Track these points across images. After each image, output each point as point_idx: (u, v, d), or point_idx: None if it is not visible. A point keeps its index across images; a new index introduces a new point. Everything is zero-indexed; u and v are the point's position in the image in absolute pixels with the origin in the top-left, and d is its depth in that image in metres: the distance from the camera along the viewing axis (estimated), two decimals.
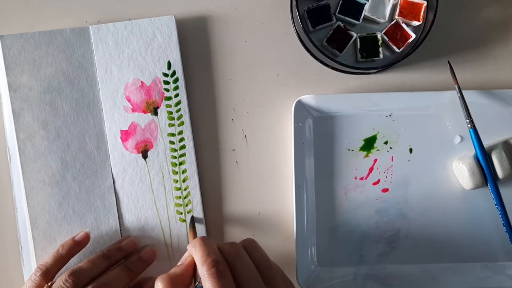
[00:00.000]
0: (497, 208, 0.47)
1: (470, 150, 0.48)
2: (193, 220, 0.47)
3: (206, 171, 0.49)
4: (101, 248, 0.47)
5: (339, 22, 0.49)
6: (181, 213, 0.48)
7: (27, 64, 0.47)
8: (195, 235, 0.45)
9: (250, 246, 0.40)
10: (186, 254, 0.40)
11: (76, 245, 0.45)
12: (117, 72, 0.48)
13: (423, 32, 0.48)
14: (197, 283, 0.38)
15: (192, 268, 0.38)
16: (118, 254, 0.45)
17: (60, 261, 0.43)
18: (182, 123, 0.48)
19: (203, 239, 0.39)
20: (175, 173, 0.48)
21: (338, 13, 0.49)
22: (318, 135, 0.49)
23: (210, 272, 0.35)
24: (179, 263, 0.40)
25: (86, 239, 0.46)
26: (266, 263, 0.39)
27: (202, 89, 0.50)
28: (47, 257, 0.43)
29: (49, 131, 0.47)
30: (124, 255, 0.46)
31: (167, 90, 0.48)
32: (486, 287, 0.48)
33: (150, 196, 0.48)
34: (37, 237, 0.47)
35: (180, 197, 0.48)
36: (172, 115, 0.48)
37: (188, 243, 0.47)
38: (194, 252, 0.38)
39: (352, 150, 0.49)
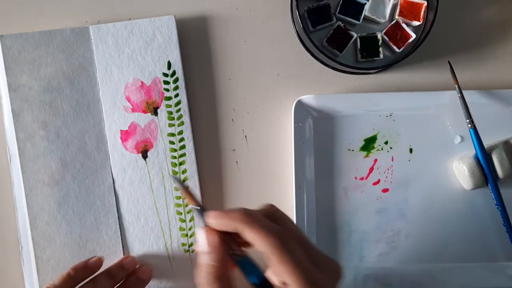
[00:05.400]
0: (497, 208, 0.47)
1: (470, 150, 0.48)
2: (178, 180, 0.38)
3: (206, 171, 0.49)
4: (101, 248, 0.47)
5: (339, 22, 0.49)
6: (181, 213, 0.48)
7: (27, 64, 0.47)
8: (195, 199, 0.37)
9: (277, 212, 0.35)
10: (202, 237, 0.34)
11: (88, 270, 0.44)
12: (117, 72, 0.48)
13: (423, 32, 0.48)
14: (236, 254, 0.34)
15: (223, 246, 0.34)
16: (121, 274, 0.45)
17: (69, 284, 0.43)
18: (182, 123, 0.48)
19: (248, 212, 0.33)
20: (175, 173, 0.48)
21: (338, 13, 0.49)
22: (318, 135, 0.49)
23: (281, 247, 0.31)
24: (204, 250, 0.34)
25: (99, 264, 0.45)
26: (296, 225, 0.36)
27: (202, 89, 0.50)
28: (56, 279, 0.43)
29: (49, 131, 0.47)
30: (126, 274, 0.46)
31: (167, 90, 0.48)
32: (486, 287, 0.48)
33: (150, 196, 0.48)
34: (36, 237, 0.47)
35: (180, 197, 0.48)
36: (172, 115, 0.48)
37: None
38: (250, 229, 0.32)
39: (352, 150, 0.49)
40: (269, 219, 0.34)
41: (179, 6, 0.50)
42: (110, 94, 0.48)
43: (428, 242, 0.49)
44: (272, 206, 0.36)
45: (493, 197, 0.47)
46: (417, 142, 0.49)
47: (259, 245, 0.32)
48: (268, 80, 0.50)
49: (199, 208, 0.36)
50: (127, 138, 0.48)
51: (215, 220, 0.34)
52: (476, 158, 0.47)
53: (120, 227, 0.48)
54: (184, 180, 0.48)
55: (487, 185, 0.47)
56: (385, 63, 0.49)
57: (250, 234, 0.32)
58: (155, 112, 0.48)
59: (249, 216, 0.33)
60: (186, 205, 0.48)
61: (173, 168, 0.48)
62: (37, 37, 0.47)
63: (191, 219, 0.48)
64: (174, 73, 0.48)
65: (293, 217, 0.46)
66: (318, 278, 0.32)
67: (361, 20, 0.49)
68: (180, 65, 0.48)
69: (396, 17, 0.49)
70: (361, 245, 0.49)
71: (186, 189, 0.38)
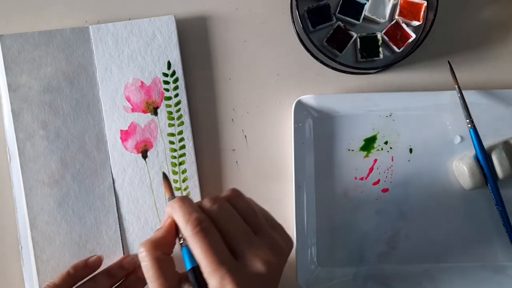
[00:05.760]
0: (497, 208, 0.47)
1: (470, 150, 0.48)
2: (165, 175, 0.42)
3: (206, 171, 0.49)
4: (101, 248, 0.47)
5: (339, 22, 0.49)
6: None
7: (26, 64, 0.47)
8: (171, 192, 0.41)
9: (233, 197, 0.38)
10: (165, 217, 0.38)
11: (88, 269, 0.45)
12: (117, 72, 0.48)
13: (423, 32, 0.49)
14: (181, 242, 0.36)
15: (173, 229, 0.37)
16: (120, 273, 0.45)
17: (69, 282, 0.43)
18: (182, 123, 0.48)
19: (181, 199, 0.36)
20: (175, 173, 0.48)
21: (338, 13, 0.49)
22: (318, 135, 0.49)
23: (195, 232, 0.34)
24: (159, 226, 0.38)
25: (99, 263, 0.45)
26: (251, 212, 0.37)
27: (202, 89, 0.50)
28: (56, 278, 0.43)
29: (49, 131, 0.47)
30: (126, 273, 0.45)
31: (167, 90, 0.48)
32: (486, 287, 0.48)
33: (150, 196, 0.48)
34: (36, 237, 0.47)
35: None
36: (172, 115, 0.48)
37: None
38: (174, 214, 0.36)
39: (352, 150, 0.49)
40: (211, 205, 0.36)
41: (179, 6, 0.50)
42: (110, 94, 0.48)
43: (428, 242, 0.49)
44: (230, 191, 0.38)
45: (493, 197, 0.47)
46: (417, 142, 0.49)
47: (181, 230, 0.35)
48: (268, 80, 0.50)
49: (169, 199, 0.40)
50: (127, 138, 0.48)
51: (167, 207, 0.37)
52: (476, 158, 0.47)
53: (120, 227, 0.48)
54: (184, 180, 0.48)
55: (487, 185, 0.47)
56: (385, 63, 0.49)
57: (176, 221, 0.36)
58: (155, 112, 0.48)
59: (177, 203, 0.36)
60: None
61: (173, 168, 0.48)
62: (37, 37, 0.47)
63: None
64: (174, 73, 0.48)
65: (292, 217, 0.46)
66: (233, 269, 0.33)
67: (361, 20, 0.49)
68: (180, 65, 0.48)
69: (396, 17, 0.49)
70: (361, 245, 0.49)
71: (168, 181, 0.41)
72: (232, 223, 0.35)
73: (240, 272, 0.33)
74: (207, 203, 0.36)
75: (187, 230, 0.34)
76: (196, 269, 0.34)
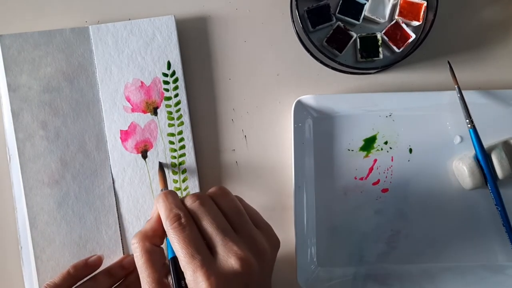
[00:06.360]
0: (497, 208, 0.47)
1: (470, 150, 0.48)
2: (161, 166, 0.44)
3: (206, 171, 0.49)
4: (101, 248, 0.47)
5: (339, 22, 0.49)
6: None
7: (26, 64, 0.47)
8: (164, 183, 0.43)
9: (218, 195, 0.39)
10: (154, 208, 0.40)
11: (88, 268, 0.45)
12: (116, 72, 0.48)
13: (423, 32, 0.49)
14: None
15: (161, 221, 0.38)
16: (120, 272, 0.45)
17: (69, 282, 0.43)
18: (181, 123, 0.48)
19: (166, 194, 0.38)
20: (175, 173, 0.48)
21: (338, 13, 0.49)
22: (318, 135, 0.49)
23: (173, 227, 0.36)
24: (149, 218, 0.40)
25: (99, 263, 0.46)
26: (235, 210, 0.38)
27: (202, 89, 0.50)
28: (56, 277, 0.43)
29: (49, 131, 0.47)
30: (126, 273, 0.46)
31: (167, 90, 0.48)
32: (486, 287, 0.48)
33: (150, 196, 0.48)
34: (36, 237, 0.47)
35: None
36: (172, 115, 0.48)
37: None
38: (158, 208, 0.38)
39: (352, 150, 0.49)
40: (193, 201, 0.37)
41: (179, 6, 0.50)
42: (109, 94, 0.48)
43: (428, 242, 0.49)
44: (216, 188, 0.39)
45: (493, 197, 0.47)
46: (417, 142, 0.49)
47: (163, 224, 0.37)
48: (268, 80, 0.50)
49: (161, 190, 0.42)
50: (127, 138, 0.48)
51: (155, 199, 0.39)
52: (476, 158, 0.47)
53: (120, 227, 0.48)
54: (184, 180, 0.48)
55: (487, 185, 0.47)
56: (384, 63, 0.49)
57: (160, 215, 0.38)
58: (154, 112, 0.48)
59: (161, 198, 0.38)
60: None
61: (173, 168, 0.48)
62: (36, 37, 0.47)
63: None
64: (174, 73, 0.48)
65: (292, 217, 0.46)
66: (206, 263, 0.34)
67: (360, 20, 0.49)
68: (180, 65, 0.48)
69: (396, 17, 0.49)
70: (360, 245, 0.49)
71: (163, 172, 0.44)
72: (210, 219, 0.36)
73: (213, 267, 0.34)
74: (189, 200, 0.37)
75: (166, 225, 0.36)
76: (176, 259, 0.36)
